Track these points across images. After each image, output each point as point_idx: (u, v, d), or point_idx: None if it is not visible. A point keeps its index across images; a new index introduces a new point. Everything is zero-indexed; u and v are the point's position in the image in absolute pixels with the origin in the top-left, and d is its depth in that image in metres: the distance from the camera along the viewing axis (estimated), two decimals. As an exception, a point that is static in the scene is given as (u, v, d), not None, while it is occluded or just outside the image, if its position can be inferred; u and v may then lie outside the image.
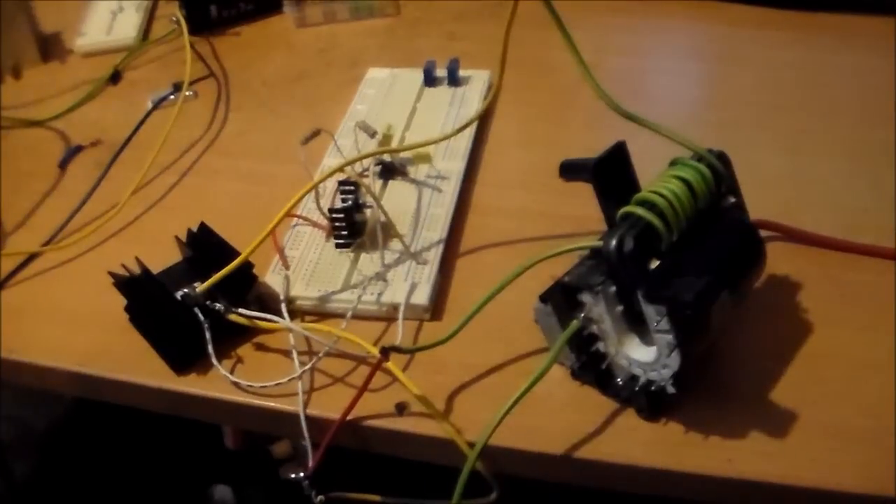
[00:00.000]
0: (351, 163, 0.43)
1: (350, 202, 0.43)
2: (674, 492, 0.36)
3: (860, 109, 0.52)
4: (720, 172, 0.35)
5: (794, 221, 0.44)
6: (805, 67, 0.56)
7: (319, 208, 0.44)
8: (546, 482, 0.38)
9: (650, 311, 0.32)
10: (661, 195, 0.33)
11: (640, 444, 0.36)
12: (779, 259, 0.42)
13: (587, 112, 0.54)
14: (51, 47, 0.66)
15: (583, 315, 0.35)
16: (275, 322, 0.39)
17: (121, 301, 0.41)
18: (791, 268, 0.42)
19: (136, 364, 0.41)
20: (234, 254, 0.41)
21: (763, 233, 0.43)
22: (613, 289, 0.34)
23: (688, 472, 0.35)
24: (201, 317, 0.39)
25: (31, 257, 0.47)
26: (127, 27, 0.66)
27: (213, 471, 0.92)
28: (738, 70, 0.57)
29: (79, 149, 0.55)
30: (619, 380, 0.36)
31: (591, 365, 0.37)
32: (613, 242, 0.32)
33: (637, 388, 0.35)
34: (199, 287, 0.39)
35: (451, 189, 0.47)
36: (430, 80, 0.55)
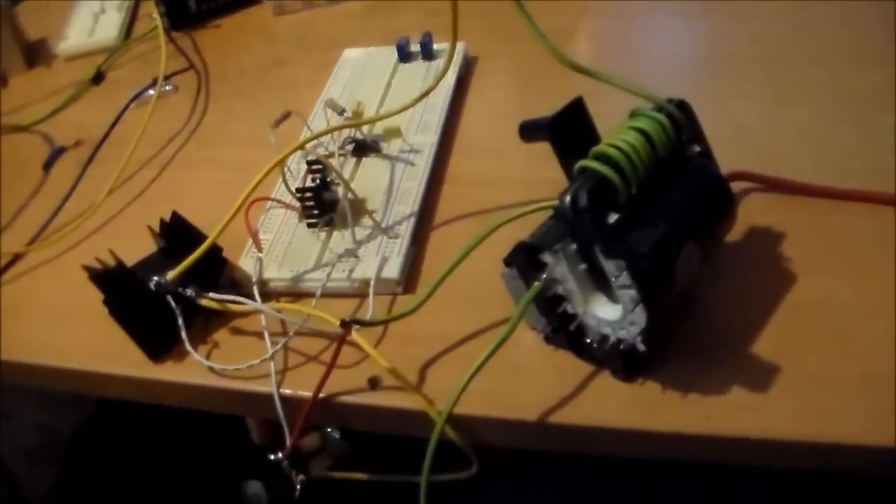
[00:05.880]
0: (313, 139, 0.43)
1: (318, 181, 0.43)
2: (652, 453, 0.35)
3: (844, 54, 0.51)
4: (680, 121, 0.34)
5: (777, 171, 0.42)
6: (788, 16, 0.55)
7: (289, 189, 0.43)
8: (530, 457, 0.37)
9: (610, 266, 0.31)
10: (617, 147, 0.32)
11: (616, 405, 0.35)
12: (760, 210, 0.41)
13: (563, 79, 0.52)
14: (36, 53, 0.66)
15: (545, 276, 0.34)
16: (244, 304, 0.39)
17: (101, 295, 0.41)
18: (773, 218, 0.41)
19: (116, 355, 0.41)
20: (205, 240, 0.41)
21: (744, 184, 0.42)
22: (574, 247, 0.33)
23: (665, 431, 0.34)
24: (173, 304, 0.39)
25: (16, 258, 0.48)
26: (109, 28, 0.66)
27: (241, 467, 0.92)
28: (720, 23, 0.56)
29: (62, 150, 0.56)
30: (590, 341, 0.35)
31: (562, 328, 0.36)
32: (568, 198, 0.31)
33: (608, 348, 0.34)
34: (170, 274, 0.39)
35: (423, 162, 0.46)
36: (404, 56, 0.54)
